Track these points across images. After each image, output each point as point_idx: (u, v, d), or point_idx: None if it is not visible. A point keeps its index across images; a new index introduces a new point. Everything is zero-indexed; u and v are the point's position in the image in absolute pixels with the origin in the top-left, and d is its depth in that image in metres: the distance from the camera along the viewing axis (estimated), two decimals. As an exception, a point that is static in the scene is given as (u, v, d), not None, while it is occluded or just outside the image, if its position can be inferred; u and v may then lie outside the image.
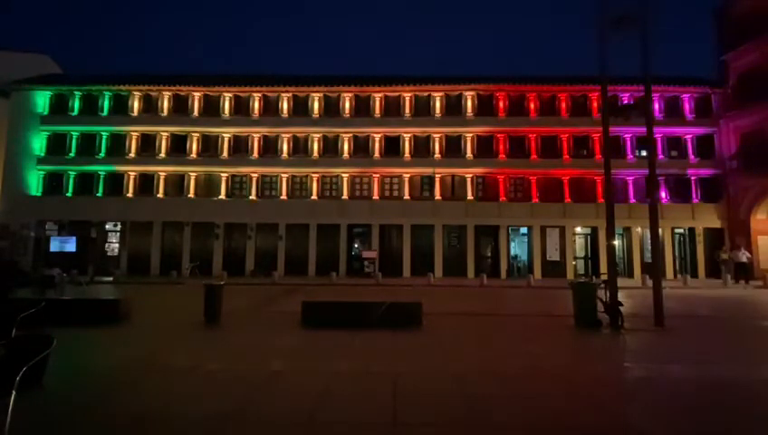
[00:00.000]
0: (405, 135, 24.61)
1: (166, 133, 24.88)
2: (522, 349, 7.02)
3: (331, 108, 25.02)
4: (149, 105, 25.24)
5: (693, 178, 24.15)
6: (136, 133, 24.90)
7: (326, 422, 3.95)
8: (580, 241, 24.61)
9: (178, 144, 24.83)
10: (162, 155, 24.70)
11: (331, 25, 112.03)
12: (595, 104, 24.30)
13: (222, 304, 9.55)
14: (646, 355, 6.94)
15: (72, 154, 24.77)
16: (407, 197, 24.23)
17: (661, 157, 23.43)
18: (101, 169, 24.67)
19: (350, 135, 24.72)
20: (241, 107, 25.17)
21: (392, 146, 24.61)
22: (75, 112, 25.09)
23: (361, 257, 23.52)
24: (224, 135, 24.88)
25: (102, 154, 24.78)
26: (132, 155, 24.75)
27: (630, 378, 5.56)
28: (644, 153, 23.28)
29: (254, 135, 24.84)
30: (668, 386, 5.07)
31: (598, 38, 10.18)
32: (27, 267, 21.12)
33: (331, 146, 24.77)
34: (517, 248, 25.17)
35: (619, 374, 5.72)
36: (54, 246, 19.95)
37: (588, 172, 24.01)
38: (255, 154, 24.67)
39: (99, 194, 24.51)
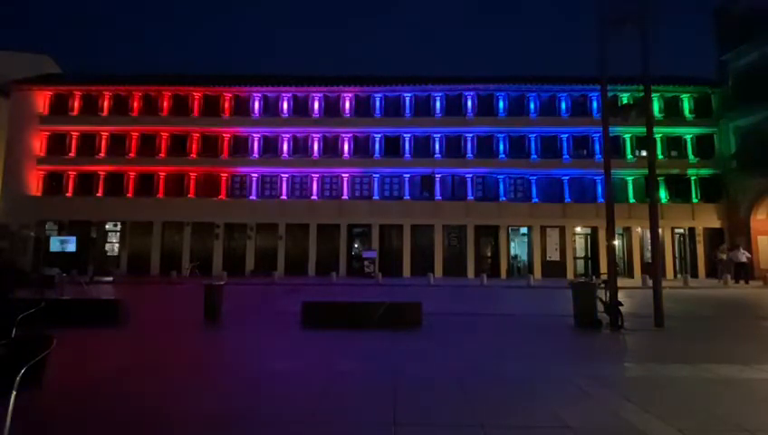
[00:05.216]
0: (405, 135, 24.62)
1: (166, 133, 24.90)
2: (522, 349, 7.03)
3: (330, 108, 25.04)
4: (149, 105, 25.24)
5: (693, 178, 24.17)
6: (136, 133, 24.91)
7: (326, 422, 3.95)
8: (580, 241, 24.62)
9: (178, 144, 24.85)
10: (162, 155, 24.73)
11: (331, 25, 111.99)
12: (595, 104, 24.34)
13: (222, 304, 9.56)
14: (646, 355, 6.94)
15: (71, 154, 24.79)
16: (407, 197, 24.24)
17: (661, 157, 23.44)
18: (101, 169, 24.68)
19: (351, 135, 24.74)
20: (241, 107, 25.18)
21: (392, 146, 24.63)
22: (75, 112, 25.10)
23: (361, 257, 23.54)
24: (224, 135, 24.89)
25: (102, 154, 24.80)
26: (132, 155, 24.77)
27: (631, 378, 5.56)
28: (644, 153, 23.29)
29: (254, 135, 24.85)
30: (669, 386, 5.07)
31: (598, 38, 10.18)
32: (27, 267, 21.10)
33: (330, 146, 24.78)
34: (517, 248, 25.18)
35: (620, 374, 5.72)
36: (54, 246, 19.91)
37: (588, 172, 24.03)
38: (255, 154, 24.70)
39: (99, 194, 24.52)
